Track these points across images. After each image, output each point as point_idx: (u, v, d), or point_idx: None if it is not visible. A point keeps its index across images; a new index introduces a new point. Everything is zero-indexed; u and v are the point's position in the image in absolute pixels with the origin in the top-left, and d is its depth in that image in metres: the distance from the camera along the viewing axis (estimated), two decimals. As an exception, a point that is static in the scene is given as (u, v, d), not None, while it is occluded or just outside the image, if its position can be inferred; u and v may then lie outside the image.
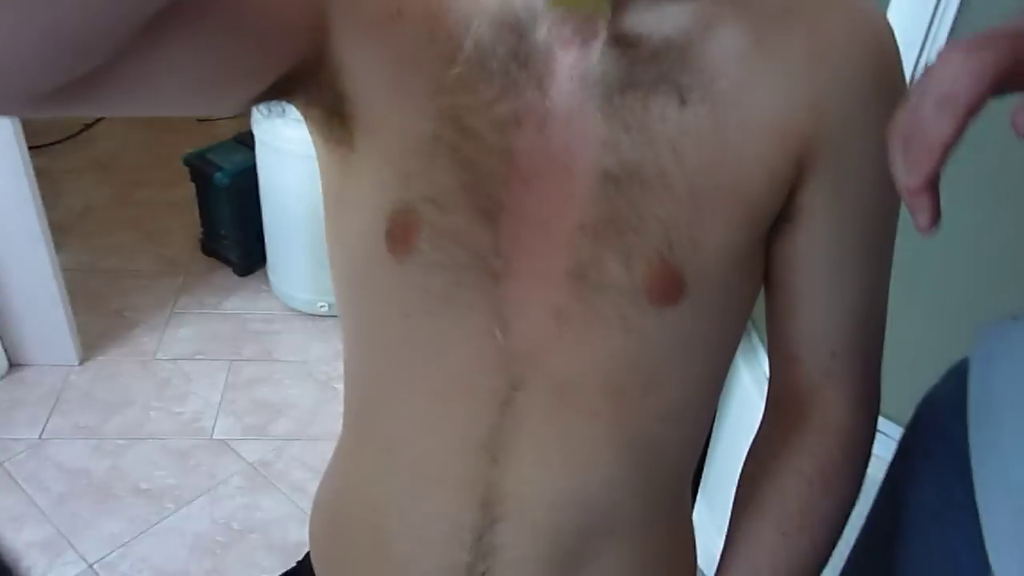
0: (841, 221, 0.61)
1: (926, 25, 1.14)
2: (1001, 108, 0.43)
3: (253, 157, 2.35)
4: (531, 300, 0.59)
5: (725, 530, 0.72)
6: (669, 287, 0.58)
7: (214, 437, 2.09)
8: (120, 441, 2.05)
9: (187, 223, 2.77)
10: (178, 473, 1.98)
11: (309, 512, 0.81)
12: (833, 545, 0.68)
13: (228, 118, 3.39)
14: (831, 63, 0.57)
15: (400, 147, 0.59)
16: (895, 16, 1.16)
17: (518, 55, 0.58)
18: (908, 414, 1.27)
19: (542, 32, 0.58)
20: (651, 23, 0.57)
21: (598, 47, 0.57)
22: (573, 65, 0.58)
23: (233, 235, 2.59)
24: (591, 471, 0.62)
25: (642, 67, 0.57)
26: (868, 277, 0.65)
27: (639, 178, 0.57)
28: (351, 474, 0.73)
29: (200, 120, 3.39)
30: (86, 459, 1.99)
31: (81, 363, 2.25)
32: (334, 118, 0.62)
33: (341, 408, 0.75)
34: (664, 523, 0.71)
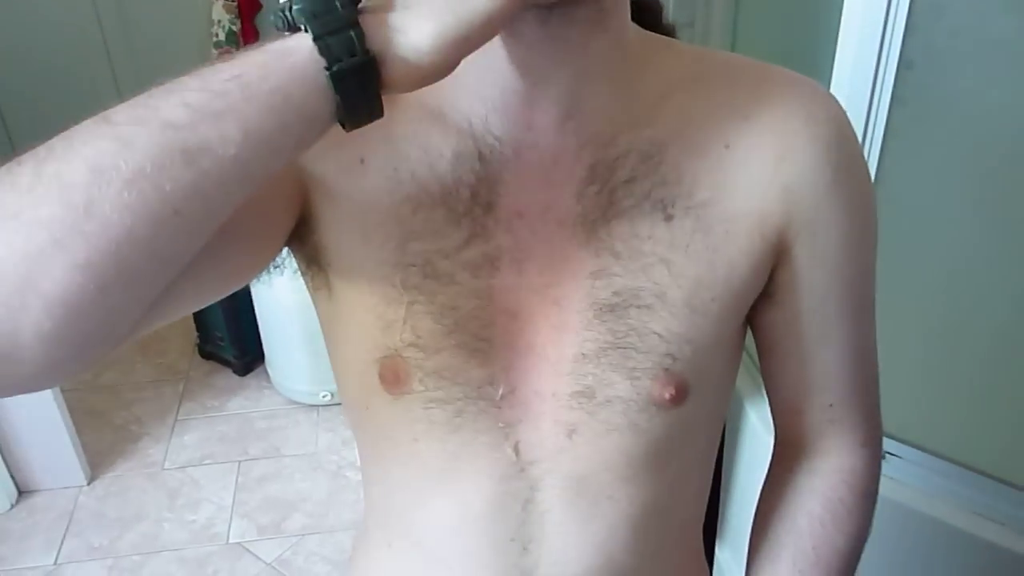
0: (819, 290, 0.64)
1: (868, 94, 1.19)
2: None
3: (241, 257, 2.38)
4: (540, 420, 0.62)
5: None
6: (675, 394, 0.60)
7: (230, 541, 2.07)
8: (135, 557, 2.03)
9: (182, 329, 2.78)
10: (197, 582, 1.96)
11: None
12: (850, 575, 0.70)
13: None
14: (797, 161, 0.60)
15: (376, 297, 0.60)
16: (837, 89, 1.20)
17: (479, 198, 0.58)
18: (908, 430, 1.27)
19: (506, 175, 0.59)
20: (623, 143, 0.59)
21: (573, 187, 0.59)
22: (547, 208, 0.59)
23: (229, 336, 2.60)
24: (613, 544, 0.65)
25: (623, 190, 0.59)
26: (853, 333, 0.68)
27: (636, 302, 0.59)
28: (384, 566, 0.73)
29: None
30: (103, 579, 1.97)
31: (90, 482, 2.24)
32: (312, 266, 0.63)
33: (355, 496, 0.76)
34: (683, 569, 0.74)
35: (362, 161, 0.60)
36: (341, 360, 0.67)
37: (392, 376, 0.61)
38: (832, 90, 1.21)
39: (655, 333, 0.59)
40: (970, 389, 1.29)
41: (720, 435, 0.72)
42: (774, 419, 0.74)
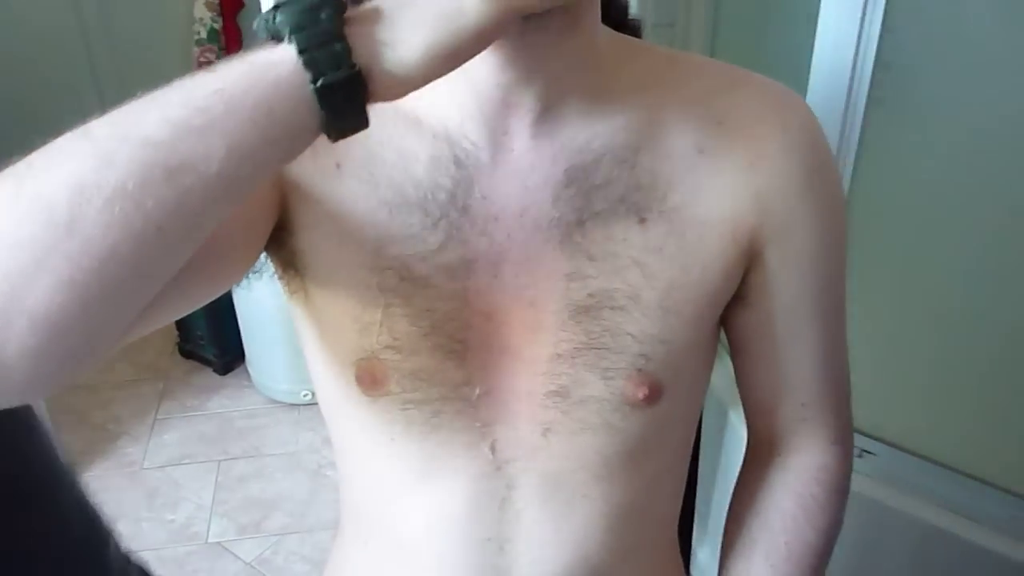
0: (791, 293, 0.65)
1: (845, 94, 1.20)
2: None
3: (221, 255, 2.37)
4: (516, 419, 0.62)
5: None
6: (649, 393, 0.61)
7: (209, 541, 2.06)
8: (114, 556, 2.02)
9: (162, 328, 2.73)
10: (176, 582, 1.95)
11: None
12: (821, 571, 0.71)
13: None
14: (769, 165, 0.61)
15: (352, 300, 0.61)
16: (813, 90, 1.21)
17: (456, 201, 0.59)
18: (883, 428, 1.28)
19: (482, 178, 0.59)
20: (597, 147, 0.59)
21: (549, 191, 0.59)
22: (523, 211, 0.59)
23: (209, 335, 2.59)
24: (589, 543, 0.66)
25: (598, 194, 0.59)
26: (824, 334, 0.69)
27: (610, 304, 0.60)
28: (360, 565, 0.74)
29: (166, 224, 3.41)
30: (81, 579, 1.96)
31: (68, 482, 2.22)
32: (289, 270, 0.64)
33: (335, 495, 0.76)
34: (659, 567, 0.75)
35: (338, 166, 0.60)
36: (318, 361, 0.68)
37: (369, 378, 0.61)
38: (809, 91, 1.22)
39: (628, 334, 0.60)
40: (946, 387, 1.30)
41: (694, 435, 0.73)
42: (747, 418, 0.75)
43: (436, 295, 0.60)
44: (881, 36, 1.14)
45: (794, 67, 1.26)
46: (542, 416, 0.62)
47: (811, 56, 1.20)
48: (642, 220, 0.60)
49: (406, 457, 0.64)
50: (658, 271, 0.60)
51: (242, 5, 3.35)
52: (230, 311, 2.46)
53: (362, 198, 0.60)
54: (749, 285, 0.65)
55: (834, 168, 0.65)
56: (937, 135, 1.19)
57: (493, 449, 0.63)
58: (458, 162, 0.59)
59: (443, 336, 0.60)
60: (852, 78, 1.19)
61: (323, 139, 0.48)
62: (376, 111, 0.55)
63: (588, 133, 0.59)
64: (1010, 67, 1.09)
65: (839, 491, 0.73)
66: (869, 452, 1.34)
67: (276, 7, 0.45)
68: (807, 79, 1.22)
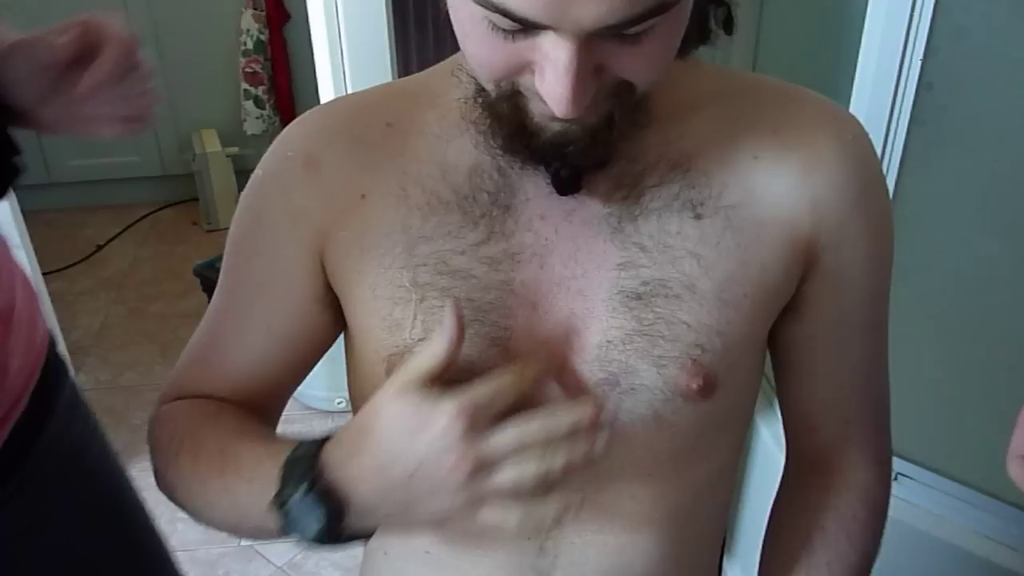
0: (841, 307, 0.65)
1: (887, 114, 1.19)
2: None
3: (262, 262, 2.38)
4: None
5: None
6: (703, 386, 0.60)
7: (242, 543, 2.08)
8: (149, 556, 2.04)
9: (201, 332, 2.79)
10: (209, 583, 1.97)
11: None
12: None
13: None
14: (824, 175, 0.61)
15: (379, 301, 0.61)
16: (856, 109, 1.20)
17: (498, 202, 0.60)
18: (919, 451, 1.26)
19: (527, 185, 0.60)
20: (652, 155, 0.59)
21: (599, 194, 0.59)
22: (571, 211, 0.60)
23: (247, 340, 2.60)
24: (633, 546, 0.65)
25: (651, 194, 0.60)
26: (870, 350, 0.69)
27: (664, 292, 0.59)
28: (397, 568, 0.73)
29: (209, 230, 3.46)
30: (116, 577, 1.98)
31: (106, 481, 2.25)
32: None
33: None
34: None
35: (363, 197, 0.62)
36: (352, 358, 0.69)
37: None
38: (851, 110, 1.22)
39: (683, 322, 0.59)
40: (982, 410, 1.29)
41: (741, 447, 0.72)
42: (787, 435, 0.74)
43: (477, 285, 0.60)
44: (925, 56, 1.13)
45: (836, 87, 1.26)
46: None
47: (854, 76, 1.20)
48: (698, 216, 0.60)
49: None
50: (715, 263, 0.60)
51: (288, 17, 3.40)
52: (269, 317, 2.47)
53: (390, 212, 0.61)
54: (802, 295, 0.64)
55: (885, 183, 0.65)
56: (978, 156, 1.18)
57: None
58: (501, 170, 0.60)
59: (486, 324, 0.60)
60: (894, 98, 1.19)
61: (344, 179, 0.62)
62: (412, 128, 0.63)
63: (641, 144, 0.59)
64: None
65: (880, 512, 0.72)
66: (906, 476, 1.33)
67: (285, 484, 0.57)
68: (849, 98, 1.21)
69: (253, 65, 3.35)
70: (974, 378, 1.28)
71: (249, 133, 3.45)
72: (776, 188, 0.61)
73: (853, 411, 0.70)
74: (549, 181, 0.58)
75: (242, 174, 3.49)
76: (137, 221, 3.56)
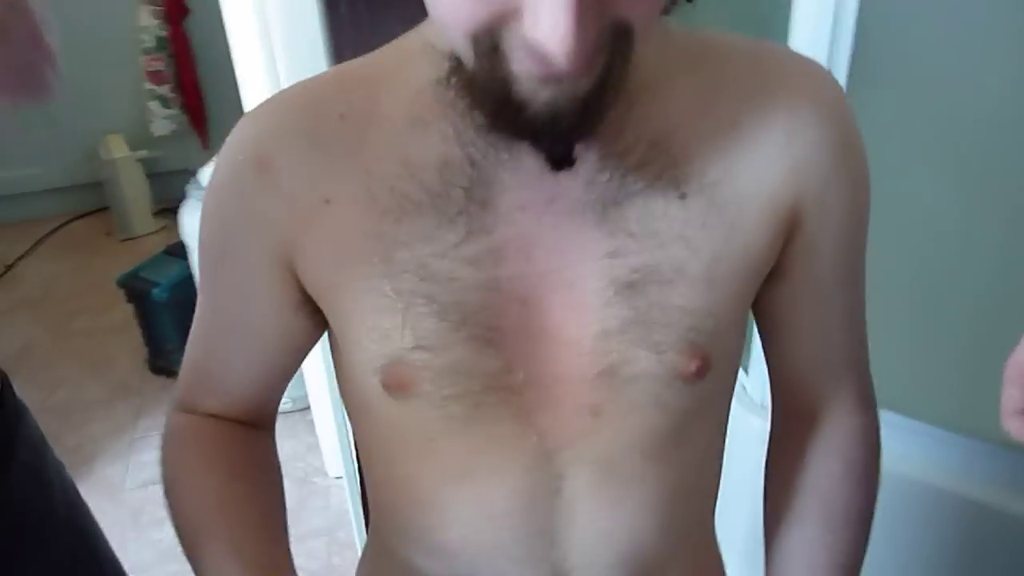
0: (826, 262, 0.66)
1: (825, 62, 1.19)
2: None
3: (187, 267, 2.32)
4: (562, 403, 0.60)
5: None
6: (699, 367, 0.60)
7: (198, 557, 2.02)
8: (101, 581, 1.97)
9: (131, 345, 2.71)
10: (167, 602, 1.91)
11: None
12: (868, 536, 0.72)
13: (153, 232, 3.35)
14: (804, 140, 0.60)
15: (364, 312, 0.59)
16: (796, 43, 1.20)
17: (474, 198, 0.57)
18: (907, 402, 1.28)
19: (503, 175, 0.57)
20: (630, 135, 0.58)
21: (580, 179, 0.57)
22: (552, 199, 0.58)
23: (181, 349, 2.51)
24: (644, 528, 0.64)
25: (634, 175, 0.58)
26: (852, 298, 0.70)
27: (656, 278, 0.58)
28: (404, 567, 0.71)
29: (123, 239, 3.34)
30: (69, 607, 1.91)
31: (46, 508, 2.17)
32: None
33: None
34: (701, 551, 0.75)
35: (327, 202, 0.59)
36: (341, 368, 0.66)
37: (396, 383, 0.59)
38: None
39: (677, 307, 0.58)
40: (938, 347, 1.31)
41: (729, 415, 0.72)
42: (776, 393, 0.75)
43: (463, 287, 0.57)
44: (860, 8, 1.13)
45: (773, 25, 1.25)
46: (590, 398, 0.60)
47: (788, 23, 1.19)
48: (682, 195, 0.58)
49: (446, 455, 0.62)
50: (702, 244, 0.59)
51: (187, 11, 3.29)
52: (200, 322, 2.41)
53: (358, 217, 0.58)
54: (787, 257, 0.64)
55: (860, 138, 0.64)
56: (924, 100, 1.18)
57: (541, 438, 0.61)
58: (473, 162, 0.57)
59: (476, 326, 0.58)
60: (832, 39, 1.18)
61: (305, 184, 0.58)
62: (369, 119, 0.59)
63: (618, 124, 0.57)
64: (990, 39, 1.09)
65: (877, 450, 0.73)
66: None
67: None
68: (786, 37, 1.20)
69: (155, 64, 3.24)
70: (932, 317, 1.30)
71: (157, 135, 3.34)
72: (757, 158, 0.60)
73: (841, 359, 0.71)
74: (543, 157, 0.55)
75: (154, 178, 3.39)
76: (47, 235, 3.42)
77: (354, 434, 0.72)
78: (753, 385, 1.42)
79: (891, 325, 1.32)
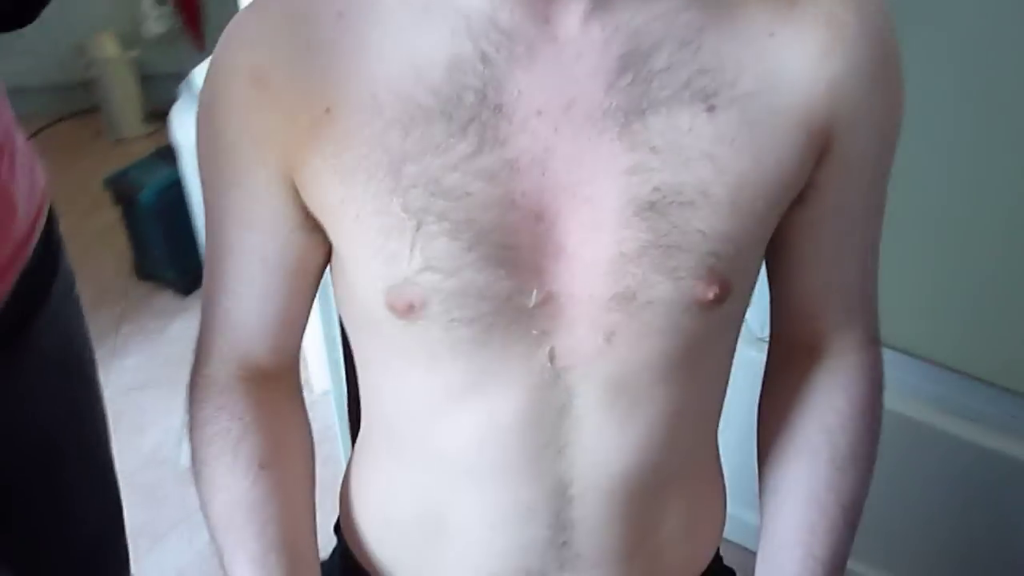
0: (850, 190, 0.62)
1: None
2: None
3: (177, 171, 2.26)
4: (576, 324, 0.58)
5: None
6: (719, 293, 0.58)
7: (180, 465, 2.02)
8: (81, 484, 1.97)
9: (117, 249, 2.66)
10: (148, 508, 1.90)
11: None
12: (871, 477, 0.70)
13: (144, 135, 3.28)
14: (843, 55, 0.57)
15: (371, 232, 0.56)
16: None
17: (487, 101, 0.53)
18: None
19: (518, 73, 0.53)
20: (657, 29, 0.54)
21: (601, 79, 0.53)
22: (571, 103, 0.54)
23: (168, 254, 2.49)
24: (652, 444, 0.63)
25: (660, 80, 0.54)
26: (871, 231, 0.67)
27: (678, 199, 0.55)
28: (399, 476, 0.71)
29: (113, 142, 3.26)
30: (48, 508, 1.91)
31: (27, 410, 2.15)
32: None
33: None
34: (704, 470, 0.76)
35: (328, 111, 0.54)
36: (343, 289, 0.64)
37: (404, 305, 0.56)
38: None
39: (698, 231, 0.56)
40: (943, 287, 1.29)
41: (739, 336, 0.70)
42: (779, 323, 0.72)
43: (475, 203, 0.54)
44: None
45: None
46: (605, 320, 0.57)
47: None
48: (711, 108, 0.55)
49: (452, 373, 0.60)
50: (729, 164, 0.55)
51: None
52: (189, 229, 2.36)
53: (362, 127, 0.54)
54: (814, 180, 0.61)
55: (899, 56, 0.60)
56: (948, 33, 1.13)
57: (552, 358, 0.59)
58: (486, 59, 0.53)
59: (489, 246, 0.55)
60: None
61: (304, 92, 0.54)
62: (370, 14, 0.54)
63: (645, 14, 0.53)
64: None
65: (881, 388, 0.72)
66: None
67: None
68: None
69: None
70: (936, 257, 1.27)
71: (149, 34, 3.23)
72: (792, 71, 0.56)
73: (852, 293, 0.69)
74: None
75: (146, 80, 3.29)
76: (33, 135, 3.33)
77: (352, 346, 0.70)
78: (752, 315, 1.40)
79: (904, 262, 1.30)
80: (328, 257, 0.66)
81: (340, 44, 0.55)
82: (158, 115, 3.21)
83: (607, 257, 0.56)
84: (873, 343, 0.72)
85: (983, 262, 1.24)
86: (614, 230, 0.56)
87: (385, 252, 0.56)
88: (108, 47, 3.15)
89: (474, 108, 0.53)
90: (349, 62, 0.55)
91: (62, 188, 3.13)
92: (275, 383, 0.70)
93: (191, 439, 0.68)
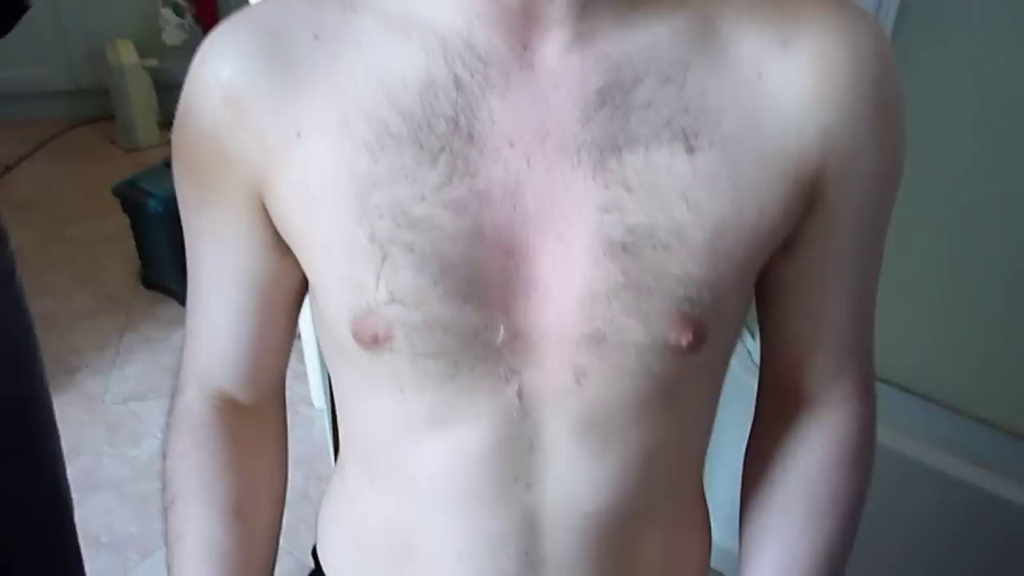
0: (843, 239, 0.60)
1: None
2: None
3: (187, 181, 2.25)
4: (544, 361, 0.56)
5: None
6: (693, 339, 0.55)
7: (174, 478, 1.99)
8: (74, 494, 1.94)
9: (124, 256, 2.65)
10: (140, 520, 1.88)
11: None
12: (856, 527, 0.68)
13: (159, 144, 3.28)
14: (840, 101, 0.54)
15: (339, 258, 0.54)
16: None
17: (459, 129, 0.51)
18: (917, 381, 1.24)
19: (492, 100, 0.52)
20: (640, 62, 0.52)
21: (578, 111, 0.52)
22: (545, 135, 0.52)
23: (174, 263, 2.48)
24: (624, 481, 0.61)
25: (639, 116, 0.52)
26: (865, 280, 0.64)
27: (652, 242, 0.53)
28: (371, 500, 0.68)
29: (128, 149, 3.27)
30: (39, 516, 1.88)
31: (24, 415, 2.13)
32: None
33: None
34: (686, 507, 0.73)
35: (298, 134, 0.53)
36: (315, 312, 0.62)
37: (369, 336, 0.54)
38: None
39: (672, 275, 0.53)
40: (949, 325, 1.27)
41: (725, 377, 0.68)
42: (767, 369, 0.70)
43: (443, 236, 0.52)
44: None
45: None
46: (575, 360, 0.55)
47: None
48: (690, 149, 0.52)
49: (419, 404, 0.58)
50: (707, 207, 0.53)
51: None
52: (196, 240, 2.35)
53: (331, 152, 0.53)
54: (802, 229, 0.58)
55: (902, 101, 0.58)
56: (972, 54, 1.11)
57: (520, 394, 0.56)
58: (459, 84, 0.51)
59: (457, 280, 0.53)
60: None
61: (276, 114, 0.53)
62: (345, 36, 0.54)
63: (628, 45, 0.51)
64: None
65: (872, 441, 0.69)
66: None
67: None
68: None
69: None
70: (942, 292, 1.25)
71: (168, 44, 3.24)
72: (781, 115, 0.53)
73: (845, 344, 0.66)
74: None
75: (163, 89, 3.30)
76: (50, 139, 3.34)
77: (329, 369, 0.68)
78: (752, 344, 1.38)
79: (908, 301, 1.28)
80: (301, 283, 0.64)
81: (314, 66, 0.54)
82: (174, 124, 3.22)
83: (577, 296, 0.54)
84: (865, 396, 0.68)
85: (988, 300, 1.22)
86: (585, 269, 0.54)
87: (351, 281, 0.54)
88: (126, 55, 3.16)
89: (445, 136, 0.52)
90: (322, 85, 0.54)
91: (73, 193, 3.15)
92: (254, 417, 0.69)
93: (166, 466, 0.67)
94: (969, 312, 1.24)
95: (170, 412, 0.69)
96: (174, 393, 0.69)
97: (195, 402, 0.68)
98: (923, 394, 1.29)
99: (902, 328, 1.25)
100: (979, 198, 1.17)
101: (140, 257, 2.57)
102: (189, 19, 3.24)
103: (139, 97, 3.20)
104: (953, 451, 1.26)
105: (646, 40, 0.52)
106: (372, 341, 0.55)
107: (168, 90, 3.37)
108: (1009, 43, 1.07)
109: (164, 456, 0.67)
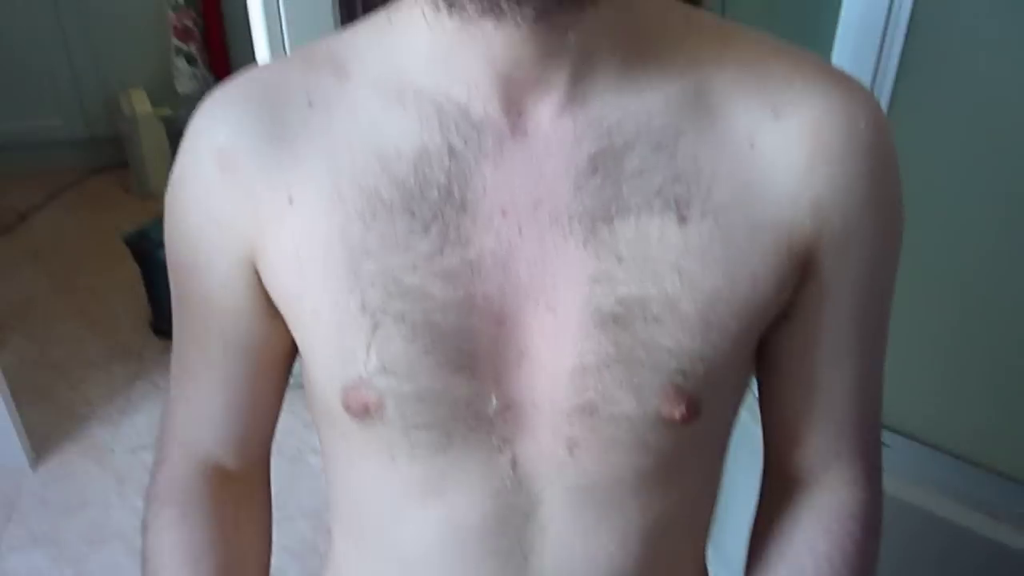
0: (841, 312, 0.58)
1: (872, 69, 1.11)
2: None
3: (197, 229, 2.26)
4: (537, 432, 0.55)
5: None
6: (686, 412, 0.53)
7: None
8: (82, 546, 1.92)
9: (135, 305, 2.65)
10: (147, 573, 1.86)
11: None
12: None
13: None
14: (833, 171, 0.52)
15: (326, 325, 0.53)
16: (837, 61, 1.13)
17: (452, 198, 0.51)
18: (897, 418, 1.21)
19: (485, 168, 0.51)
20: (632, 128, 0.51)
21: (570, 179, 0.51)
22: (537, 203, 0.51)
23: (184, 312, 2.48)
24: (623, 554, 0.59)
25: (630, 185, 0.51)
26: (867, 355, 0.61)
27: (643, 314, 0.52)
28: (360, 569, 0.67)
29: (141, 198, 3.29)
30: (47, 570, 1.86)
31: (33, 465, 2.12)
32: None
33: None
34: (688, 574, 0.69)
35: (291, 201, 0.53)
36: (307, 382, 0.60)
37: (359, 407, 0.53)
38: (834, 60, 1.14)
39: (664, 347, 0.52)
40: (964, 377, 1.24)
41: (728, 446, 0.66)
42: (768, 448, 0.67)
43: (435, 305, 0.51)
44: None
45: (817, 25, 1.18)
46: (567, 431, 0.54)
47: (838, 13, 1.12)
48: (682, 219, 0.51)
49: (411, 475, 0.56)
50: (700, 279, 0.52)
51: (220, -32, 3.22)
52: (206, 288, 2.36)
53: (323, 219, 0.52)
54: (797, 302, 0.57)
55: (898, 172, 0.56)
56: (970, 105, 1.11)
57: (513, 465, 0.55)
58: (453, 152, 0.51)
59: (448, 350, 0.52)
60: (881, 45, 1.11)
61: (271, 178, 0.53)
62: (339, 104, 0.54)
63: (620, 112, 0.51)
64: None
65: (876, 531, 0.65)
66: (884, 444, 1.28)
67: None
68: (832, 39, 1.13)
69: (185, 20, 3.17)
70: (956, 344, 1.23)
71: (181, 92, 3.28)
72: (773, 185, 0.52)
73: (845, 423, 0.63)
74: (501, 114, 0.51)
75: (175, 137, 3.33)
76: (64, 188, 3.37)
77: (318, 436, 0.66)
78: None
79: (918, 350, 1.26)
80: (292, 349, 0.63)
81: (307, 133, 0.53)
82: (185, 173, 3.25)
83: (568, 368, 0.53)
84: (869, 478, 0.65)
85: (998, 350, 1.20)
86: (576, 340, 0.52)
87: (342, 350, 0.53)
88: (139, 104, 3.20)
89: (437, 205, 0.51)
90: (315, 151, 0.53)
91: (86, 242, 3.16)
92: (242, 484, 0.67)
93: (148, 540, 0.64)
94: (979, 362, 1.22)
95: (152, 483, 0.66)
96: (155, 463, 0.67)
97: (181, 470, 0.65)
98: (932, 444, 1.26)
99: (911, 378, 1.22)
100: (985, 252, 1.15)
101: (151, 305, 2.57)
102: (202, 68, 3.28)
103: (152, 146, 3.23)
104: (962, 501, 1.22)
105: (638, 106, 0.51)
106: (363, 412, 0.54)
107: (180, 138, 3.42)
108: (1011, 106, 1.06)
109: (145, 528, 0.64)
